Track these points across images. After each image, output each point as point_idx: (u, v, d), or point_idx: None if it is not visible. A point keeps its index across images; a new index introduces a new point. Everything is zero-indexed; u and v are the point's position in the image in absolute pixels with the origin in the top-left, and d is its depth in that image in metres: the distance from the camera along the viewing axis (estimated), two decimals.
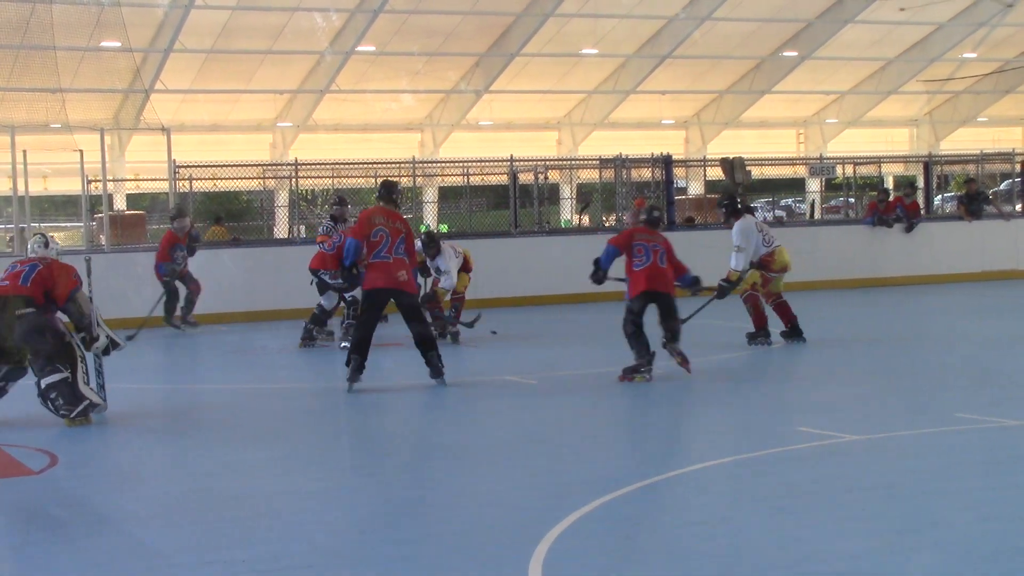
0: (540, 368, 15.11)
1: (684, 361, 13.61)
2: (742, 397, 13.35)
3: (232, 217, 31.06)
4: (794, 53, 46.61)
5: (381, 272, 13.03)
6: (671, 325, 13.62)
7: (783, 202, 42.36)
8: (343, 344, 15.95)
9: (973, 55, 49.20)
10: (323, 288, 16.85)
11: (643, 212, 14.60)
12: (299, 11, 37.59)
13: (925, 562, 6.83)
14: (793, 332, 16.31)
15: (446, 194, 33.68)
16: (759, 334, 16.30)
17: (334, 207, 18.81)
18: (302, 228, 25.98)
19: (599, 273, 14.12)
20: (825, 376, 14.61)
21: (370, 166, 28.78)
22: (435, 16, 40.49)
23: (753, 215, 17.47)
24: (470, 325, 17.34)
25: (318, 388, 14.62)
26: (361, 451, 10.85)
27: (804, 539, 7.35)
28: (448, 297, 17.59)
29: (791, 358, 15.78)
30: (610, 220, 28.99)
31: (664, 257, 13.74)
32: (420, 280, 17.03)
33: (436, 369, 13.18)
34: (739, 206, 16.63)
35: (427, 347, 13.20)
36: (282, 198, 27.44)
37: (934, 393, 13.08)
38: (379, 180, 17.42)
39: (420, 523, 7.90)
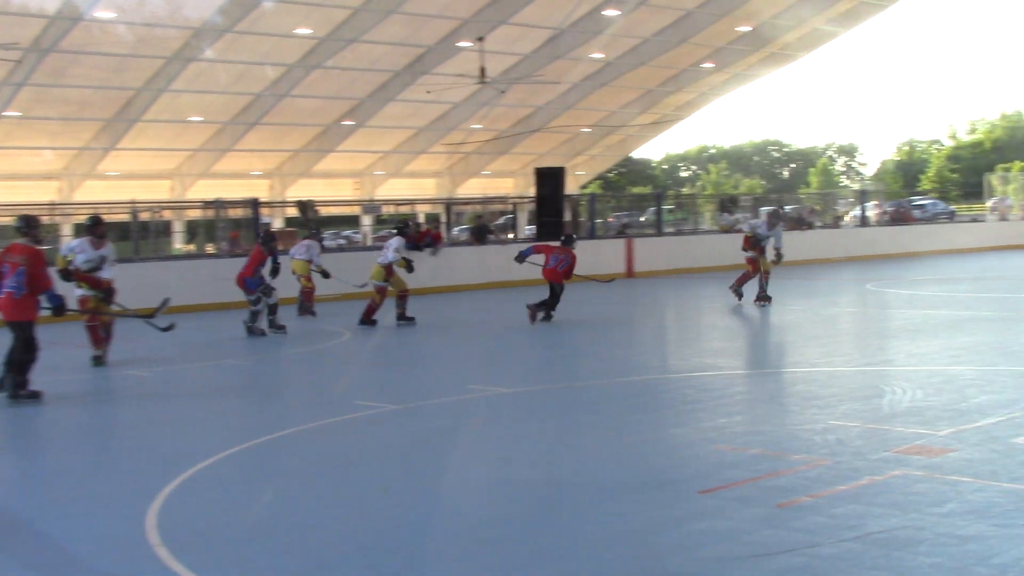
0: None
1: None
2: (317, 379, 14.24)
3: None
4: (352, 122, 48.17)
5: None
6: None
7: (344, 233, 43.36)
8: None
9: (479, 126, 52.17)
10: None
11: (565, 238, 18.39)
12: None
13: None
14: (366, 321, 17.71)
15: (80, 230, 33.27)
16: (365, 320, 17.72)
17: None
18: None
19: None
20: (377, 362, 15.33)
21: (14, 208, 28.02)
22: (71, 88, 39.73)
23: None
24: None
25: None
26: None
27: (351, 499, 8.50)
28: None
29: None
30: (210, 248, 29.44)
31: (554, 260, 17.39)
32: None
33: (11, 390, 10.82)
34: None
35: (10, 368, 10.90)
36: None
37: (455, 370, 13.81)
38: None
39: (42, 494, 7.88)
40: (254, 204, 26.38)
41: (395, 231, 19.60)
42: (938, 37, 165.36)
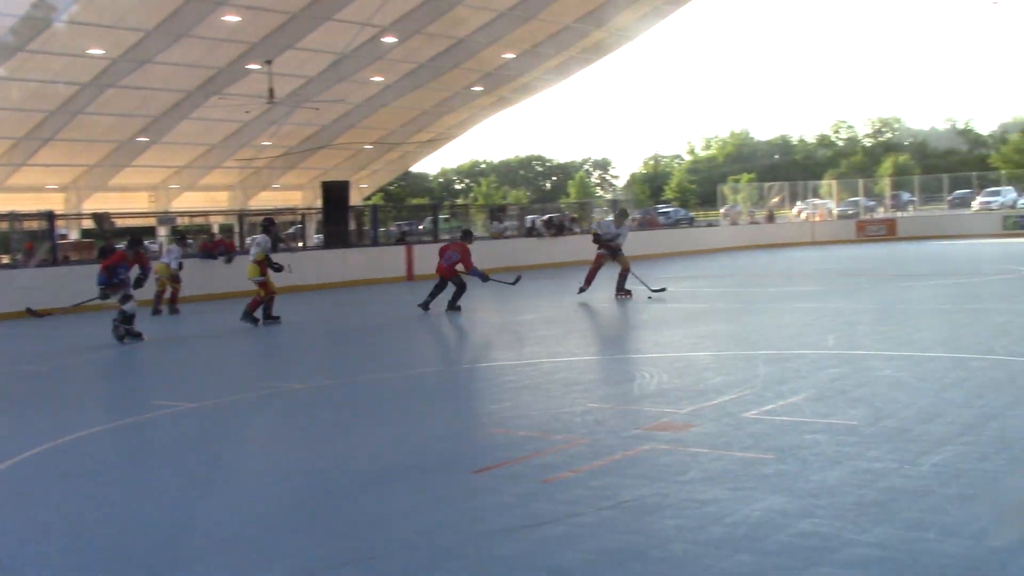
0: None
1: None
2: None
3: None
4: (147, 139, 46.31)
5: None
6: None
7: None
8: None
9: (269, 143, 51.11)
10: None
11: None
12: None
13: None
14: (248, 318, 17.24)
15: None
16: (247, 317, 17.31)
17: None
18: None
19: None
20: (181, 361, 15.13)
21: None
22: None
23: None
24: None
25: None
26: None
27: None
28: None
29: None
30: (5, 259, 27.91)
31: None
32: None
33: None
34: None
35: None
36: None
37: (255, 368, 14.00)
38: None
39: None
40: (49, 217, 25.05)
41: (261, 229, 19.04)
42: (678, 63, 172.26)
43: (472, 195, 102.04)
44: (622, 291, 19.65)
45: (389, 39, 40.87)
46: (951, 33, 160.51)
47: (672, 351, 12.01)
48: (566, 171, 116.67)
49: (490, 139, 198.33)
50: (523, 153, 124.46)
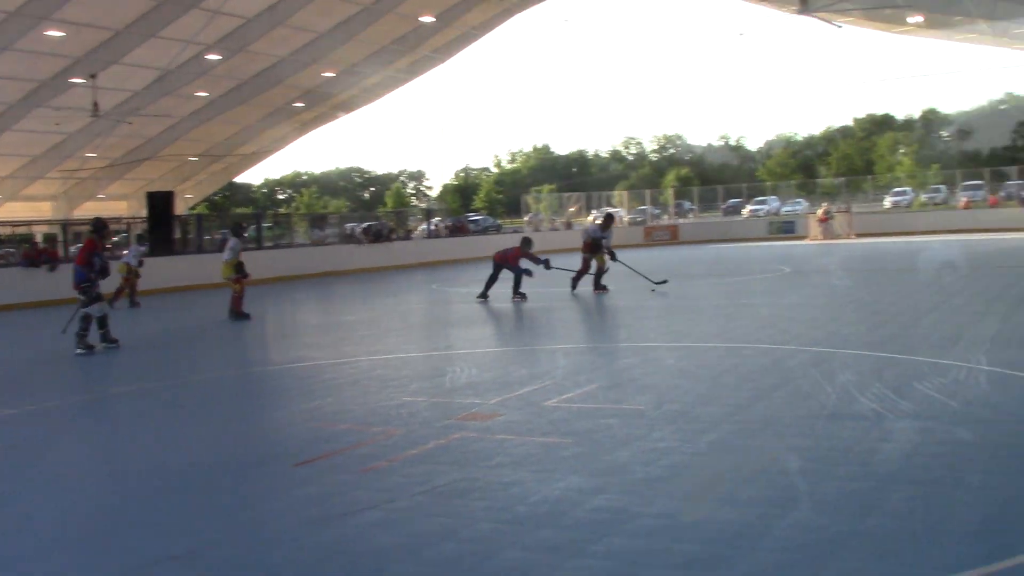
0: None
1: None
2: None
3: None
4: None
5: None
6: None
7: None
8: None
9: (94, 154, 48.72)
10: None
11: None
12: None
13: None
14: None
15: None
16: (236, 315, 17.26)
17: None
18: None
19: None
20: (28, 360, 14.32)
21: None
22: None
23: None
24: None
25: None
26: None
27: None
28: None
29: None
30: None
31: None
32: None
33: None
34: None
35: None
36: None
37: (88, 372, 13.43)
38: None
39: None
40: None
41: (230, 231, 19.48)
42: (487, 82, 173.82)
43: (295, 204, 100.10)
44: (599, 287, 19.17)
45: (213, 56, 39.64)
46: (726, 58, 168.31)
47: (480, 347, 12.10)
48: (383, 182, 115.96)
49: (312, 152, 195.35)
50: (343, 165, 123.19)
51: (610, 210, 35.01)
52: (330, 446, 7.02)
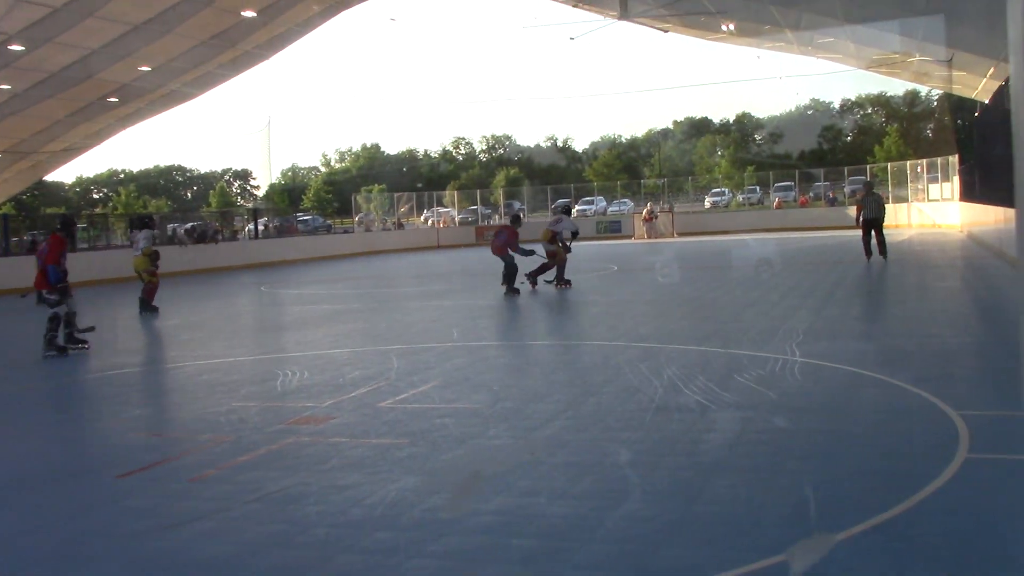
0: None
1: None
2: None
3: None
4: None
5: None
6: None
7: None
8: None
9: None
10: None
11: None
12: None
13: None
14: None
15: None
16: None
17: None
18: None
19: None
20: None
21: None
22: None
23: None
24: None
25: None
26: None
27: None
28: None
29: None
30: None
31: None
32: None
33: None
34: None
35: None
36: None
37: None
38: None
39: None
40: None
41: (138, 223, 19.49)
42: (313, 80, 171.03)
43: (111, 204, 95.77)
44: (562, 281, 19.19)
45: (16, 47, 37.43)
46: (554, 60, 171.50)
47: (313, 349, 11.93)
48: (207, 181, 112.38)
49: (129, 149, 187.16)
50: (163, 163, 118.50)
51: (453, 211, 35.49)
52: (156, 456, 6.78)
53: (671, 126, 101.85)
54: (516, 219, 19.72)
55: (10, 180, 59.35)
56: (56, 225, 14.08)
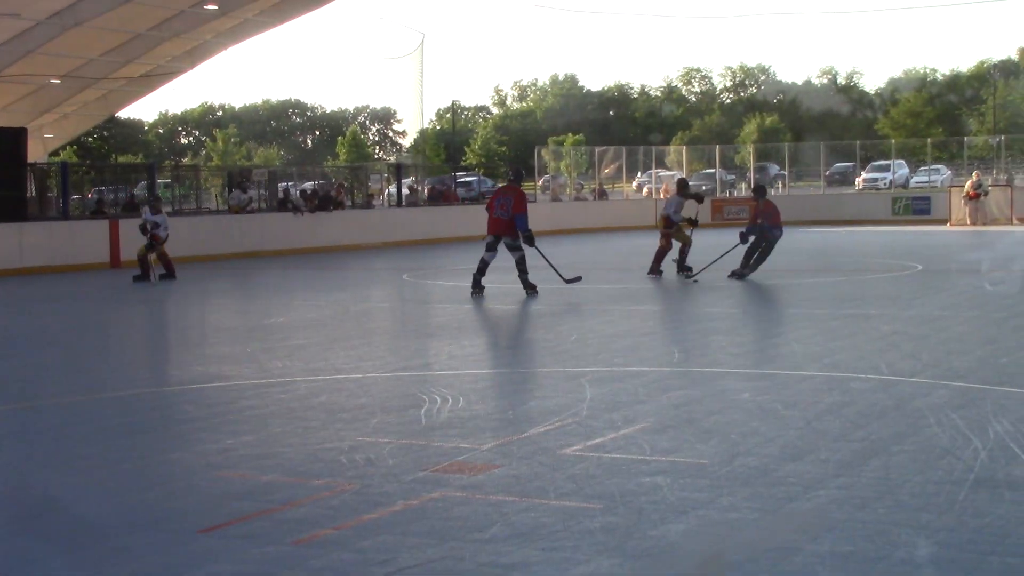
0: None
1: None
2: None
3: None
4: None
5: None
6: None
7: None
8: None
9: None
10: None
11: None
12: None
13: None
14: None
15: None
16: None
17: None
18: None
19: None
20: None
21: None
22: None
23: None
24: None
25: None
26: None
27: None
28: None
29: None
30: None
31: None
32: None
33: None
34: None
35: None
36: None
37: None
38: None
39: None
40: None
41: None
42: None
43: (205, 153, 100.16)
44: (685, 268, 22.43)
45: None
46: None
47: (472, 367, 12.09)
48: (334, 124, 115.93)
49: (230, 78, 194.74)
50: (275, 98, 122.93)
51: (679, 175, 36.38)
52: (248, 505, 7.03)
53: (1015, 56, 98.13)
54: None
55: (72, 116, 62.81)
56: (509, 176, 20.15)
